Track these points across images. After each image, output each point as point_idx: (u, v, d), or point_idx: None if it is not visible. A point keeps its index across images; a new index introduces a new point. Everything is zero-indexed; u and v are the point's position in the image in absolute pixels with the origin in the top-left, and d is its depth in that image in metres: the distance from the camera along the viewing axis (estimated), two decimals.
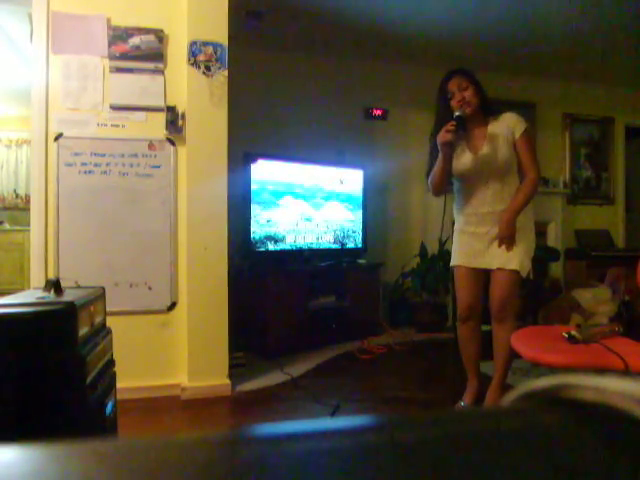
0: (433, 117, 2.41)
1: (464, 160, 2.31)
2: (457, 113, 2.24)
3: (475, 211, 2.33)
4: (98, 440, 0.20)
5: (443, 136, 2.20)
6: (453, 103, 2.28)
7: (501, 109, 2.36)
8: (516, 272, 2.25)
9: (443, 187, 2.39)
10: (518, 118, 2.29)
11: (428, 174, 2.40)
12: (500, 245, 2.28)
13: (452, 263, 2.44)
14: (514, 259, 2.25)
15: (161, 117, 2.75)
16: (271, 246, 3.80)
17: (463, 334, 2.45)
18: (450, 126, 2.19)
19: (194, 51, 2.76)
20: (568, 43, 4.31)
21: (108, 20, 2.70)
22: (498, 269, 2.28)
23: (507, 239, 2.25)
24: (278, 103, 4.34)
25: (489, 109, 2.33)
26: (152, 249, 2.76)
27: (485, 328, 2.47)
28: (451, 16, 3.80)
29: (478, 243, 2.33)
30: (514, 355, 2.15)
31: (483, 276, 2.37)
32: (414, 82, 4.63)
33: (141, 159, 2.74)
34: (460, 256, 2.38)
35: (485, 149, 2.28)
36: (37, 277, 2.60)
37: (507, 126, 2.27)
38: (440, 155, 2.28)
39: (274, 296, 3.57)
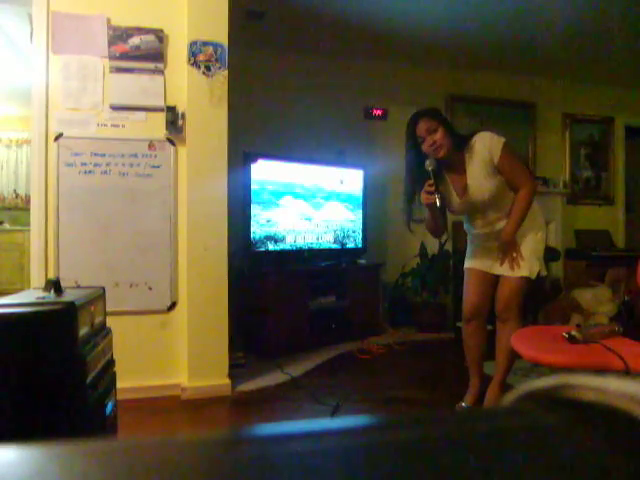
0: None
1: (453, 202, 2.30)
2: (429, 167, 2.13)
3: (479, 232, 2.38)
4: (98, 440, 0.20)
5: (426, 198, 2.13)
6: (424, 148, 2.17)
7: (473, 132, 2.23)
8: (525, 278, 2.27)
9: (441, 232, 2.42)
10: (491, 139, 2.16)
11: (407, 217, 2.28)
12: (502, 263, 2.29)
13: (465, 266, 2.48)
14: (523, 267, 2.27)
15: (161, 117, 2.75)
16: (271, 246, 3.80)
17: (466, 334, 2.48)
18: (428, 187, 2.11)
19: (194, 51, 2.75)
20: (568, 43, 4.31)
21: (108, 20, 2.70)
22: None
23: (509, 257, 2.26)
24: (278, 103, 4.34)
25: (462, 142, 2.21)
26: (152, 249, 2.76)
27: (488, 328, 2.48)
28: (451, 16, 3.80)
29: (488, 252, 2.38)
30: (516, 355, 2.16)
31: (493, 280, 2.38)
32: (414, 82, 4.64)
33: (141, 159, 2.74)
34: (473, 260, 2.43)
35: (468, 194, 2.24)
36: (37, 277, 2.60)
37: (483, 155, 2.16)
38: (428, 213, 2.25)
39: (274, 296, 3.57)
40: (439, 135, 2.14)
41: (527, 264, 2.26)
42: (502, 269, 2.32)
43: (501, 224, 2.29)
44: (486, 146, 2.16)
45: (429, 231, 2.39)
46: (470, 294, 2.42)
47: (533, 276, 2.27)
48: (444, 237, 4.35)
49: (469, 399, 2.46)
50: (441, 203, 2.16)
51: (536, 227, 2.32)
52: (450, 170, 2.26)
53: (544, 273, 2.35)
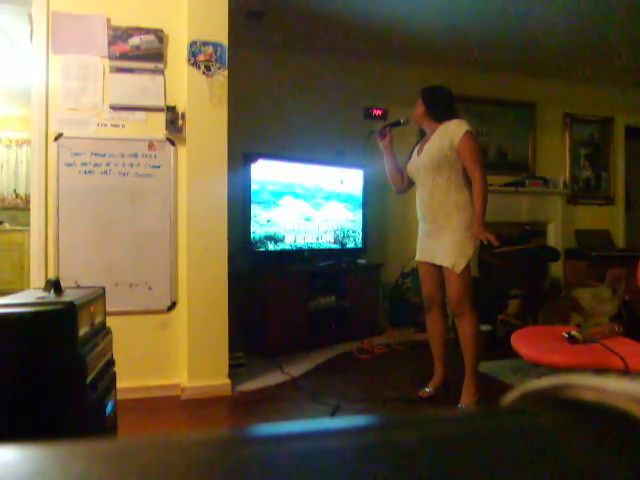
0: None
1: (412, 162, 2.63)
2: (397, 119, 2.72)
3: (419, 208, 2.59)
4: (98, 440, 0.20)
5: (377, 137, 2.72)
6: None
7: (456, 116, 2.54)
8: (451, 269, 2.42)
9: (399, 185, 2.76)
10: (459, 125, 2.44)
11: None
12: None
13: (415, 257, 2.70)
14: (448, 257, 2.43)
15: (161, 117, 2.75)
16: (271, 246, 3.80)
17: (428, 323, 2.68)
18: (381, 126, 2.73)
19: (194, 51, 2.75)
20: (568, 43, 4.31)
21: (108, 20, 2.70)
22: (444, 267, 2.46)
23: (485, 238, 2.38)
24: (278, 103, 4.33)
25: (441, 116, 2.52)
26: (152, 249, 2.76)
27: (486, 328, 2.52)
28: (451, 16, 3.80)
29: (425, 238, 2.58)
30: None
31: (437, 269, 2.53)
32: (414, 82, 4.62)
33: (141, 159, 2.74)
34: (419, 251, 2.64)
35: (423, 153, 2.54)
36: (37, 277, 2.60)
37: (446, 134, 2.45)
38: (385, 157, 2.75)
39: (274, 296, 3.56)
40: (416, 108, 2.62)
41: (451, 255, 2.41)
42: (434, 257, 2.50)
43: (431, 202, 2.47)
44: (453, 128, 2.44)
45: (390, 179, 2.77)
46: (423, 286, 2.67)
47: (457, 269, 2.39)
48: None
49: (432, 385, 2.66)
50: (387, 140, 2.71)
51: (464, 226, 2.43)
52: (426, 134, 2.62)
53: (475, 274, 2.47)
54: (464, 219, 2.42)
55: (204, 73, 2.76)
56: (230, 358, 2.85)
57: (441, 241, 2.46)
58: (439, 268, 2.51)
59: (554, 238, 5.08)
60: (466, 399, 2.46)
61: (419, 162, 2.55)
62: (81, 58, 2.68)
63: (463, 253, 2.40)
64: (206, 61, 2.76)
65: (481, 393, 2.47)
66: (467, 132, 2.41)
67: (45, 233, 2.64)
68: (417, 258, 2.66)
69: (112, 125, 2.72)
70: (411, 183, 2.70)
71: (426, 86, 2.67)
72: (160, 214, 2.77)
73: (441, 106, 2.56)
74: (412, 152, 2.67)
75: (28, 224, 2.79)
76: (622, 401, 0.20)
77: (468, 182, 2.46)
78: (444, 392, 2.66)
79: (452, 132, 2.43)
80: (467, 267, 2.41)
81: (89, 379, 1.38)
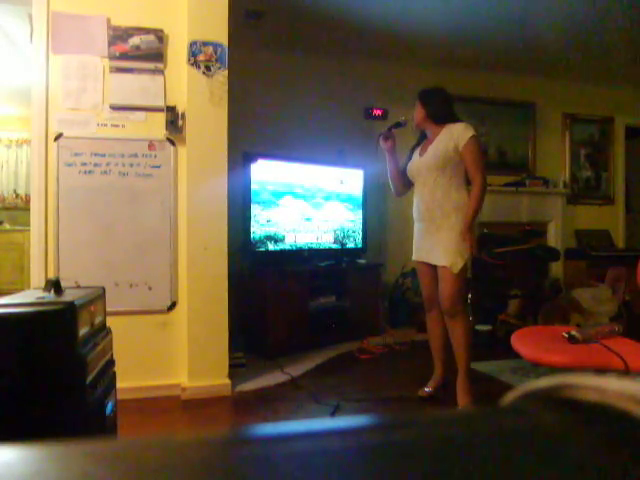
0: None
1: (413, 162, 2.62)
2: (400, 119, 2.67)
3: (417, 207, 2.59)
4: (98, 440, 0.20)
5: (381, 138, 2.66)
6: None
7: (458, 119, 2.54)
8: (449, 269, 2.43)
9: (399, 187, 2.74)
10: (465, 128, 2.46)
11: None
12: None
13: (412, 257, 2.71)
14: (445, 256, 2.44)
15: (161, 117, 2.75)
16: (271, 246, 3.80)
17: (428, 323, 2.69)
18: (385, 130, 2.67)
19: (194, 51, 2.75)
20: (568, 43, 4.31)
21: (108, 20, 2.70)
22: (440, 267, 2.47)
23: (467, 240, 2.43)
24: (278, 103, 4.34)
25: (443, 119, 2.53)
26: (152, 249, 2.76)
27: (486, 328, 2.52)
28: (451, 16, 3.80)
29: (421, 238, 2.58)
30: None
31: (433, 269, 2.55)
32: (414, 82, 4.62)
33: (141, 159, 2.74)
34: (415, 251, 2.65)
35: (427, 154, 2.53)
36: (37, 277, 2.60)
37: (452, 135, 2.46)
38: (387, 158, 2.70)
39: (274, 296, 3.56)
40: (415, 111, 2.61)
41: (448, 256, 2.42)
42: (431, 257, 2.51)
43: (432, 203, 2.48)
44: (458, 131, 2.46)
45: (390, 181, 2.74)
46: (422, 286, 2.67)
47: (455, 269, 2.41)
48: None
49: (432, 384, 2.68)
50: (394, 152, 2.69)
51: (462, 227, 2.45)
52: (428, 137, 2.61)
53: (468, 275, 2.52)
54: (461, 219, 2.44)
55: (204, 73, 2.76)
56: (230, 358, 2.85)
57: (437, 240, 2.47)
58: (435, 268, 2.52)
59: (554, 238, 5.08)
60: (463, 400, 2.47)
61: (421, 163, 2.55)
62: (81, 58, 2.68)
63: (460, 253, 2.42)
64: (206, 61, 2.76)
65: (475, 392, 2.49)
66: (473, 136, 2.45)
67: (45, 233, 2.64)
68: (414, 258, 2.67)
69: (112, 125, 2.72)
70: (410, 185, 2.70)
71: (423, 88, 2.67)
72: (160, 214, 2.77)
73: (440, 108, 2.57)
74: (411, 153, 2.67)
75: (28, 224, 2.79)
76: (622, 401, 0.20)
77: (467, 184, 2.49)
78: (443, 392, 2.66)
79: (458, 135, 2.45)
80: (463, 267, 2.43)
81: (89, 379, 1.38)
